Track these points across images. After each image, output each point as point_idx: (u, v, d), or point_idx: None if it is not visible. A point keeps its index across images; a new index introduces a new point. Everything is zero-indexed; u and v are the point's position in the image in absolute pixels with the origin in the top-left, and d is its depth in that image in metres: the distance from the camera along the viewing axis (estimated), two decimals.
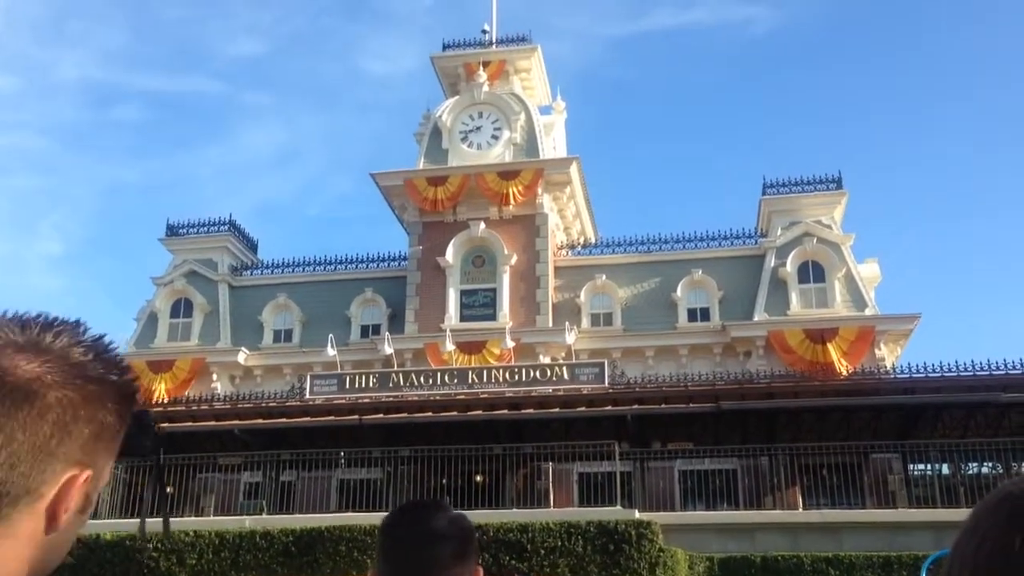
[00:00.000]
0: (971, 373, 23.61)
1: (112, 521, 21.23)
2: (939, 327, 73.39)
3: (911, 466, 22.87)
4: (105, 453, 1.11)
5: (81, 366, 1.06)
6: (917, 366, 24.71)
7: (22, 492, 1.02)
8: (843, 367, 28.73)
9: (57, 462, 1.04)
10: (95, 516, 21.61)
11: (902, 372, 25.52)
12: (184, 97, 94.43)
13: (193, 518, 22.22)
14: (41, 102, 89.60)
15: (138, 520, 19.95)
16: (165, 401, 30.46)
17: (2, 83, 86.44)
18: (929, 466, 22.44)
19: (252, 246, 37.84)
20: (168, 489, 22.34)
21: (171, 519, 21.00)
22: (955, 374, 23.76)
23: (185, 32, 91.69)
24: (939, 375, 23.96)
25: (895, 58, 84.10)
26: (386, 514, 2.11)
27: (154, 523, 20.27)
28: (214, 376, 32.93)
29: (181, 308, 34.87)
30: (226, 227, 36.45)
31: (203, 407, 27.26)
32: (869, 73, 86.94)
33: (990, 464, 21.90)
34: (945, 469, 21.90)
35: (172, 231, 36.41)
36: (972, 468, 22.21)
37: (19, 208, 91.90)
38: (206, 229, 36.26)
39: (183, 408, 27.50)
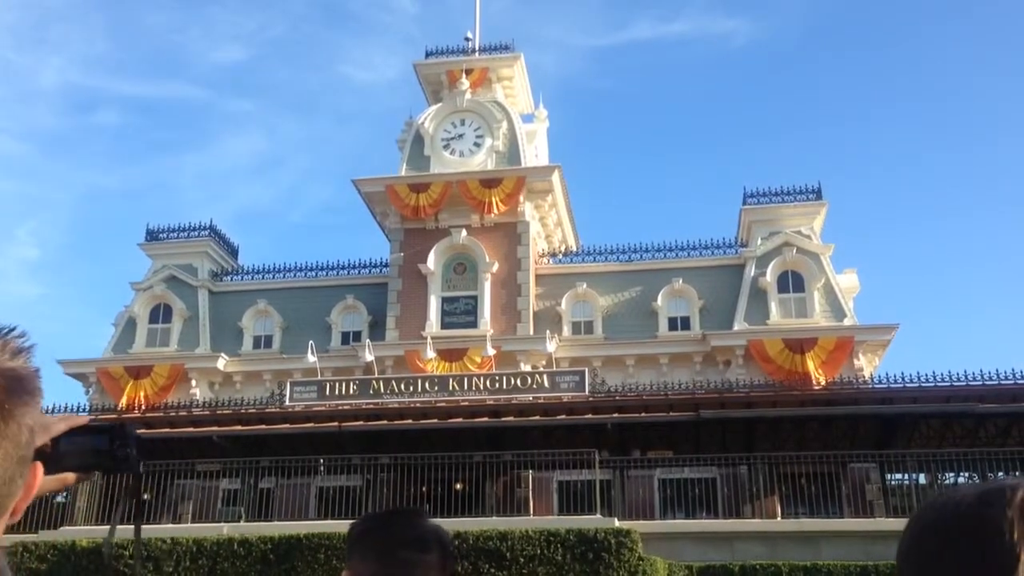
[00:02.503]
0: (948, 383, 23.81)
1: (87, 528, 21.06)
2: (917, 337, 74.05)
3: (889, 476, 23.03)
4: (41, 439, 1.17)
5: (11, 369, 1.09)
6: (895, 376, 24.89)
7: (10, 499, 1.04)
8: (821, 377, 28.91)
9: (26, 464, 1.09)
10: (71, 523, 21.43)
11: (880, 382, 25.70)
12: (165, 103, 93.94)
13: (171, 525, 22.07)
14: (20, 107, 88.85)
15: (118, 526, 19.77)
16: (143, 407, 30.24)
17: None
18: (906, 476, 22.62)
19: (233, 252, 37.68)
20: (145, 496, 22.18)
21: (148, 526, 20.85)
22: (932, 384, 23.96)
23: (166, 38, 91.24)
24: (916, 385, 24.15)
25: (873, 68, 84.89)
26: (363, 517, 2.10)
27: (127, 531, 20.11)
28: (193, 382, 32.72)
29: (160, 313, 34.65)
30: (207, 232, 36.27)
31: (181, 413, 27.09)
32: (847, 84, 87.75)
33: (967, 474, 22.08)
34: (922, 479, 22.08)
35: (152, 236, 36.19)
36: (949, 478, 22.39)
37: None
38: (186, 234, 36.08)
39: (161, 414, 27.32)
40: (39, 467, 1.13)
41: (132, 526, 1.72)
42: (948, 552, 1.04)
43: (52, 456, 1.35)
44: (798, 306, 31.56)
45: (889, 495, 22.44)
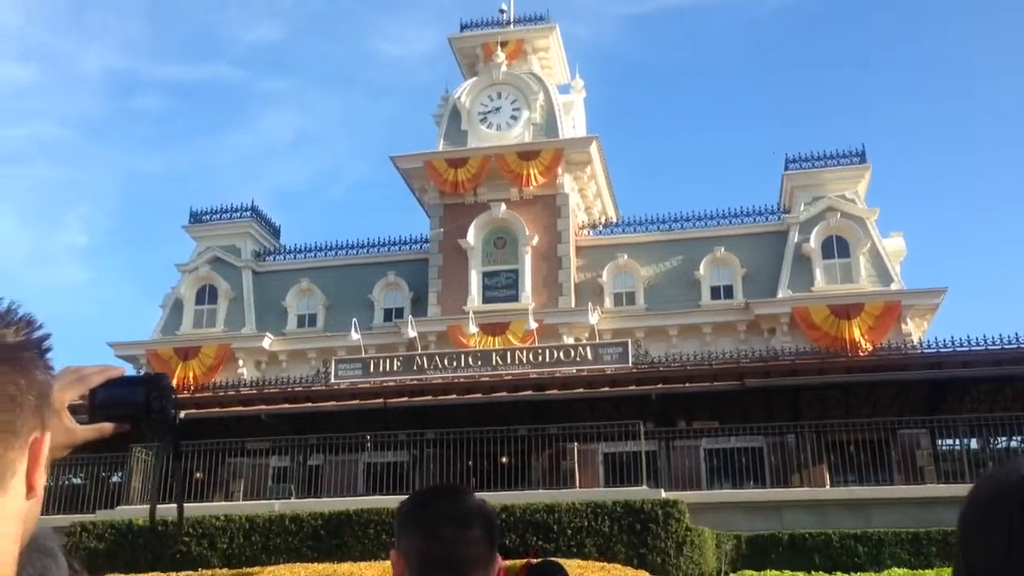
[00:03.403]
0: (999, 346, 23.37)
1: (143, 507, 21.51)
2: (966, 301, 72.75)
3: (939, 441, 22.73)
4: (50, 410, 1.17)
5: (4, 344, 1.10)
6: (944, 341, 24.50)
7: (2, 476, 1.07)
8: (868, 343, 28.54)
9: (21, 437, 1.09)
10: (128, 502, 21.89)
11: (929, 347, 25.31)
12: (203, 85, 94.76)
13: (223, 503, 22.47)
14: (62, 92, 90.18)
15: (173, 506, 20.19)
16: (192, 387, 30.75)
17: (23, 74, 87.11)
18: (957, 441, 22.30)
19: (275, 232, 38.01)
20: (198, 475, 22.60)
21: (202, 504, 21.25)
22: (983, 348, 23.54)
23: (203, 19, 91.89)
24: (966, 349, 23.75)
25: (919, 26, 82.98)
26: (410, 496, 2.12)
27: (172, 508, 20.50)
28: (240, 362, 33.17)
29: (206, 295, 35.11)
30: (248, 213, 36.61)
31: (230, 393, 27.49)
32: (892, 43, 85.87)
33: (1019, 438, 21.72)
34: (974, 444, 21.76)
35: (195, 218, 36.61)
36: (1001, 442, 22.04)
37: (43, 200, 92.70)
38: (229, 215, 36.44)
39: (210, 394, 27.75)
40: (44, 439, 1.13)
41: (175, 504, 1.74)
42: (1006, 524, 1.03)
43: (89, 407, 1.41)
44: (843, 272, 31.13)
45: (940, 461, 22.15)
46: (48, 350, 1.17)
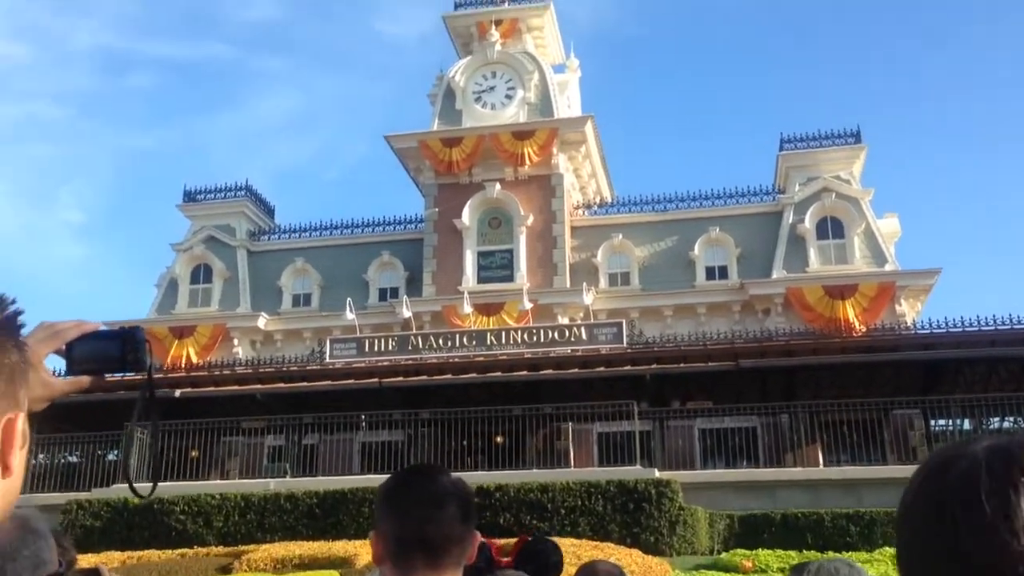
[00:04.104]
0: (993, 327, 23.47)
1: (139, 485, 21.50)
2: (960, 282, 72.96)
3: (932, 422, 22.83)
4: (24, 387, 1.16)
5: None
6: (938, 321, 24.62)
7: None
8: (862, 324, 28.61)
9: None
10: (118, 480, 21.92)
11: (922, 328, 25.41)
12: (198, 63, 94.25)
13: (219, 481, 22.52)
14: (56, 71, 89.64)
15: (169, 483, 20.24)
16: (188, 367, 30.75)
17: (17, 52, 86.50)
18: (951, 422, 22.41)
19: (269, 211, 37.91)
20: (193, 453, 22.65)
21: (198, 482, 21.30)
22: (976, 328, 23.63)
23: None
24: (960, 330, 23.84)
25: (919, 9, 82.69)
26: (387, 479, 2.16)
27: (175, 487, 20.55)
28: (235, 341, 33.17)
29: (201, 274, 35.04)
30: (243, 192, 36.49)
31: (225, 372, 27.51)
32: (886, 24, 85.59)
33: (1012, 419, 21.83)
34: (967, 425, 21.86)
35: (189, 197, 36.47)
36: (994, 423, 22.15)
37: (38, 177, 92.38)
38: (223, 195, 36.31)
39: (205, 373, 27.76)
40: (17, 417, 1.12)
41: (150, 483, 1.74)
42: (945, 512, 0.95)
43: (67, 361, 1.43)
44: (838, 252, 31.17)
45: (933, 441, 22.25)
46: (21, 326, 1.17)
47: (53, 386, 1.36)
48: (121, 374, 1.48)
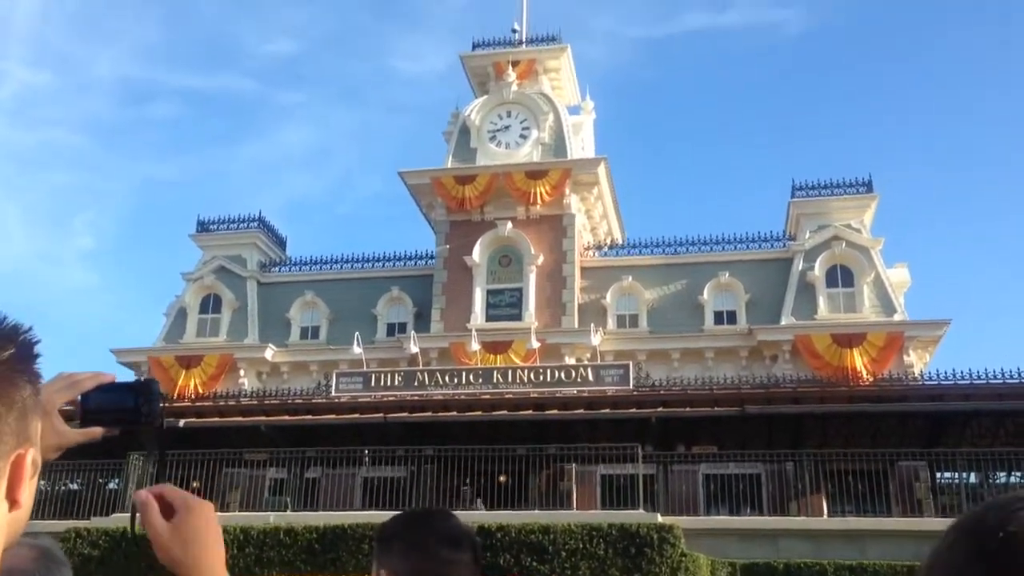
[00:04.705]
0: (1001, 380, 23.31)
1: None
2: (969, 333, 72.62)
3: (938, 474, 22.64)
4: (36, 422, 1.17)
5: None
6: (946, 373, 24.46)
7: None
8: (870, 373, 28.47)
9: (1, 460, 1.10)
10: (123, 509, 21.87)
11: (930, 379, 25.26)
12: (218, 94, 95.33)
13: (218, 513, 22.31)
14: (77, 99, 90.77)
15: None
16: (193, 396, 30.77)
17: (39, 79, 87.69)
18: (957, 475, 22.21)
19: (281, 243, 38.12)
20: (194, 484, 22.57)
21: None
22: (984, 381, 23.48)
23: (220, 30, 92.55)
24: (968, 382, 23.69)
25: (926, 59, 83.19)
26: (395, 517, 2.16)
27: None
28: (241, 372, 33.20)
29: (210, 304, 35.18)
30: (256, 223, 36.72)
31: (230, 403, 27.50)
32: (900, 75, 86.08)
33: (1019, 474, 21.63)
34: (973, 478, 21.66)
35: (202, 227, 36.72)
36: (1000, 477, 21.94)
37: (54, 204, 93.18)
38: (236, 225, 36.55)
39: (210, 403, 27.76)
40: (27, 453, 1.13)
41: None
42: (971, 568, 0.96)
43: (81, 411, 1.44)
44: (847, 301, 31.11)
45: (939, 494, 22.05)
46: (37, 356, 1.17)
47: (66, 436, 1.38)
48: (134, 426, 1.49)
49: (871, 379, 27.88)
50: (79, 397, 1.42)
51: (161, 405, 1.48)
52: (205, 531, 1.31)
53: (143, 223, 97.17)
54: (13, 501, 1.11)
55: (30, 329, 1.17)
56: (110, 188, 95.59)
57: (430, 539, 2.04)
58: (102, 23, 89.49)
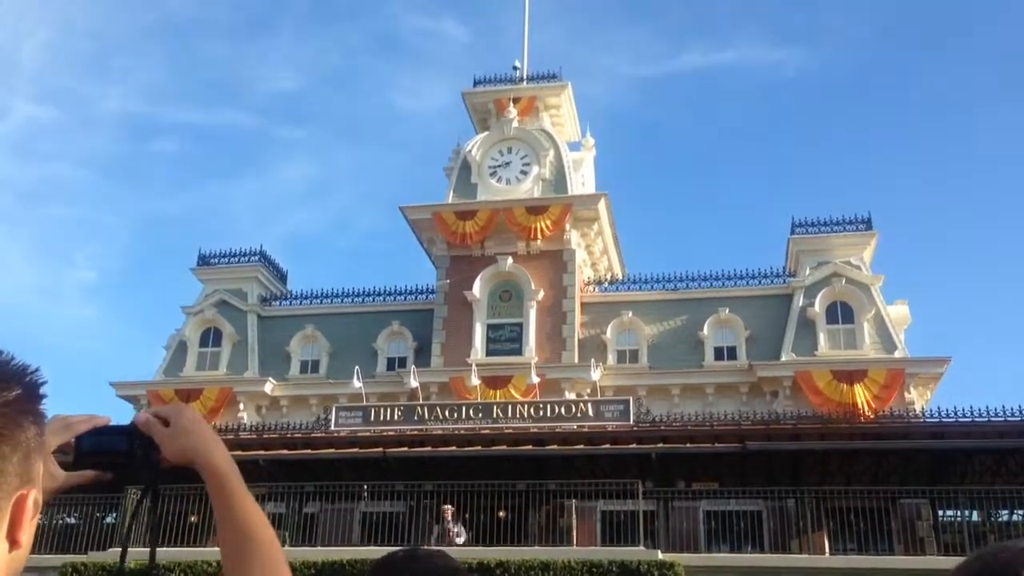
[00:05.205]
0: (1002, 418, 23.24)
1: (136, 549, 21.32)
2: (970, 371, 72.43)
3: (940, 512, 22.51)
4: (39, 463, 1.17)
5: None
6: (947, 410, 24.38)
7: None
8: (871, 410, 28.40)
9: (1, 500, 1.10)
10: (120, 544, 21.72)
11: (931, 416, 25.19)
12: (221, 131, 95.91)
13: (216, 548, 22.25)
14: (81, 135, 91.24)
15: (166, 548, 20.03)
16: None
17: (44, 114, 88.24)
18: (959, 512, 22.09)
19: (282, 277, 38.18)
20: (192, 518, 22.44)
21: (194, 548, 21.08)
22: (986, 419, 23.41)
23: (223, 68, 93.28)
24: (970, 420, 23.62)
25: (925, 98, 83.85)
26: (381, 559, 2.16)
27: (168, 553, 20.33)
28: (241, 406, 33.11)
29: (210, 337, 35.16)
30: (256, 258, 36.80)
31: (229, 436, 27.36)
32: (899, 113, 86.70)
33: (1021, 512, 21.52)
34: (975, 516, 21.54)
35: (203, 261, 36.80)
36: (1003, 515, 21.83)
37: (55, 238, 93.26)
38: (237, 259, 36.63)
39: None
40: (29, 494, 1.14)
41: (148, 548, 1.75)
42: None
43: (75, 454, 1.44)
44: (847, 337, 31.11)
45: (941, 532, 21.92)
46: (42, 397, 1.18)
47: (59, 479, 1.39)
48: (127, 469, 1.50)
49: (872, 416, 27.81)
50: (73, 439, 1.42)
51: (157, 447, 1.47)
52: (198, 421, 1.48)
53: (144, 257, 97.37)
54: (13, 541, 1.12)
55: (37, 370, 1.18)
56: (112, 222, 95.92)
57: None
58: (108, 62, 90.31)
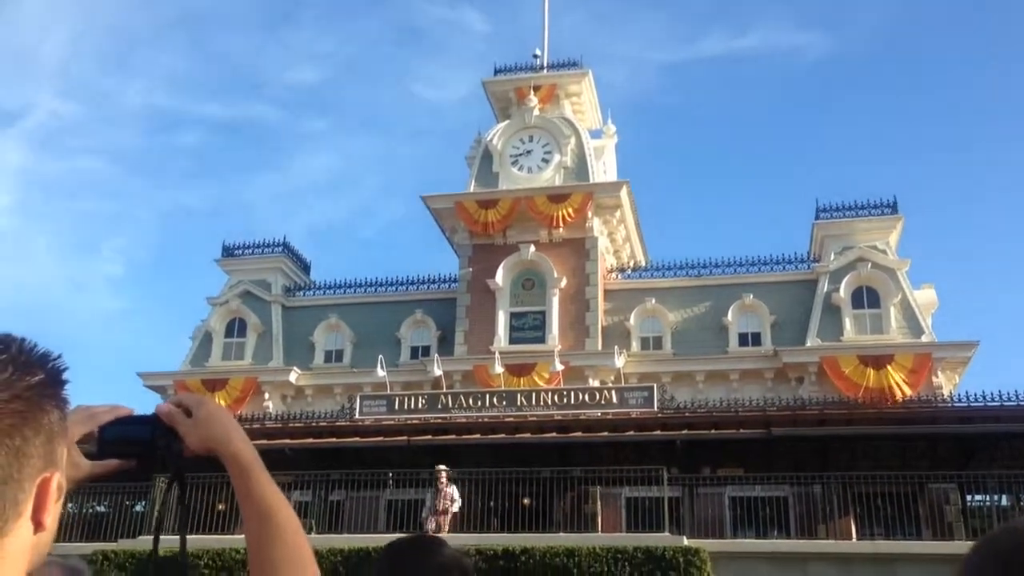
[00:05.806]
0: None
1: (166, 537, 21.54)
2: (999, 355, 71.67)
3: (969, 497, 22.32)
4: (62, 447, 1.18)
5: (7, 384, 1.10)
6: (975, 395, 24.17)
7: (4, 520, 1.09)
8: (899, 394, 28.17)
9: (25, 481, 1.11)
10: (149, 532, 21.94)
11: (959, 400, 24.96)
12: (243, 122, 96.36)
13: (243, 535, 22.44)
14: (106, 128, 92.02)
15: (194, 536, 20.20)
16: None
17: (68, 109, 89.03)
18: (987, 497, 21.89)
19: (305, 267, 38.35)
20: (220, 507, 22.63)
21: (222, 536, 21.26)
22: (1015, 403, 23.18)
23: (245, 61, 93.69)
24: (998, 404, 23.40)
25: (950, 80, 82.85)
26: (387, 547, 2.15)
27: (199, 541, 20.52)
28: (266, 395, 33.34)
29: (235, 328, 35.40)
30: (280, 248, 37.00)
31: (255, 426, 27.58)
32: (924, 95, 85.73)
33: None
34: (1004, 500, 21.34)
35: (228, 252, 37.03)
36: None
37: (83, 231, 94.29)
38: (261, 250, 36.84)
39: None
40: (52, 477, 1.15)
41: (185, 528, 1.77)
42: None
43: (98, 443, 1.45)
44: (873, 322, 30.85)
45: (969, 517, 21.73)
46: (65, 382, 1.19)
47: (82, 468, 1.41)
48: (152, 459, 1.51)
49: (899, 401, 27.60)
50: (96, 429, 1.44)
51: (180, 437, 1.48)
52: (219, 410, 1.52)
53: (170, 249, 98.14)
54: (38, 523, 1.13)
55: (59, 356, 1.19)
56: (137, 215, 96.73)
57: (414, 566, 2.08)
58: (132, 57, 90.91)
